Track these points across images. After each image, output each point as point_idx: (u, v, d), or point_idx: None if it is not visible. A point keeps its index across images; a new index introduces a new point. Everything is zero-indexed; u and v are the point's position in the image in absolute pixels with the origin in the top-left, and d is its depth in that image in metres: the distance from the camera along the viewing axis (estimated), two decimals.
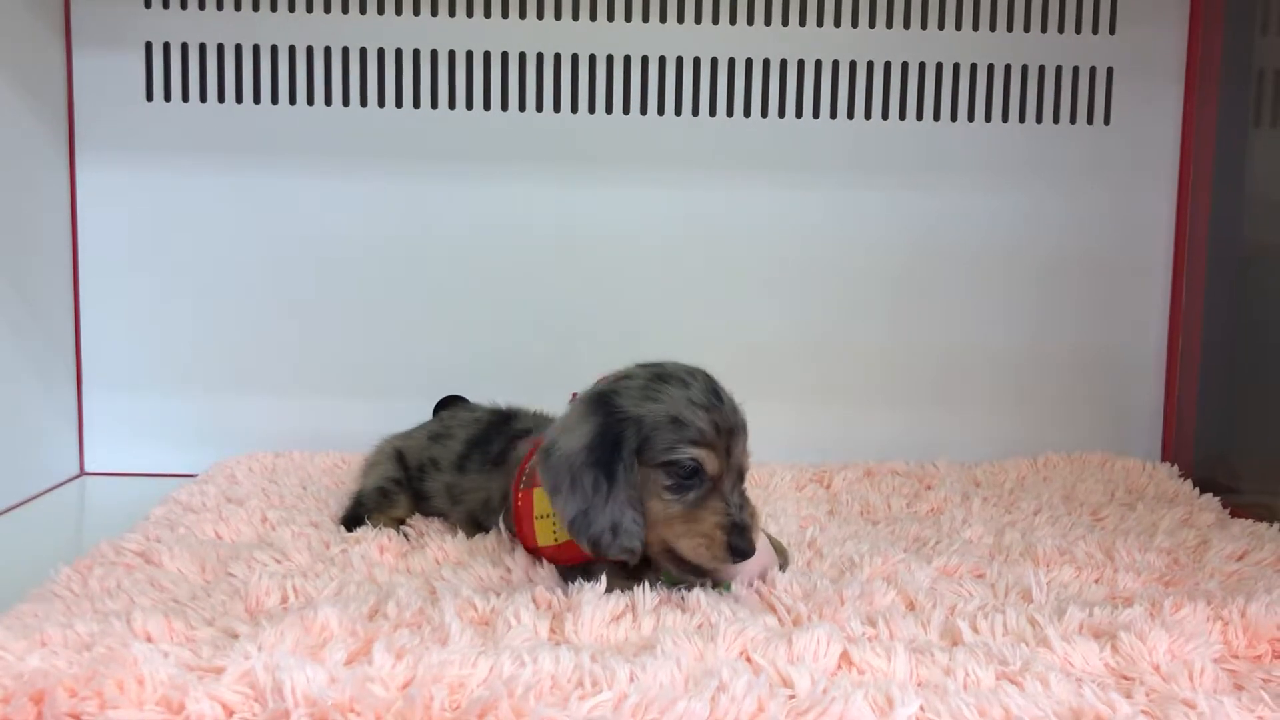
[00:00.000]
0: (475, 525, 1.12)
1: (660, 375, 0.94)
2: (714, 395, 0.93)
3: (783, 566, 1.02)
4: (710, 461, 0.90)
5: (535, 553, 1.00)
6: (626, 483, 0.90)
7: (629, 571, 0.95)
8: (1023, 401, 1.59)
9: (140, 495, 1.32)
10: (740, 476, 0.94)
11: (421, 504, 1.19)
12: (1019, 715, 0.71)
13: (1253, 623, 0.88)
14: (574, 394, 1.01)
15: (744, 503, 0.92)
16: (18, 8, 1.38)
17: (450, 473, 1.17)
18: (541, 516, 0.97)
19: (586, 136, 1.53)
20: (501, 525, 1.07)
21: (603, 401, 0.93)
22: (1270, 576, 1.02)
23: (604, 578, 0.92)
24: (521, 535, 1.00)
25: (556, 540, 0.96)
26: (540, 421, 1.18)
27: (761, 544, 0.98)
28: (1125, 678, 0.80)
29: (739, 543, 0.89)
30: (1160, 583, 1.03)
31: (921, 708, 0.72)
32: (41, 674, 0.72)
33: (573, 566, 0.96)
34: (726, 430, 0.92)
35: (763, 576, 0.97)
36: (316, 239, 1.53)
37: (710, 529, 0.90)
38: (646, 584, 0.92)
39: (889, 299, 1.57)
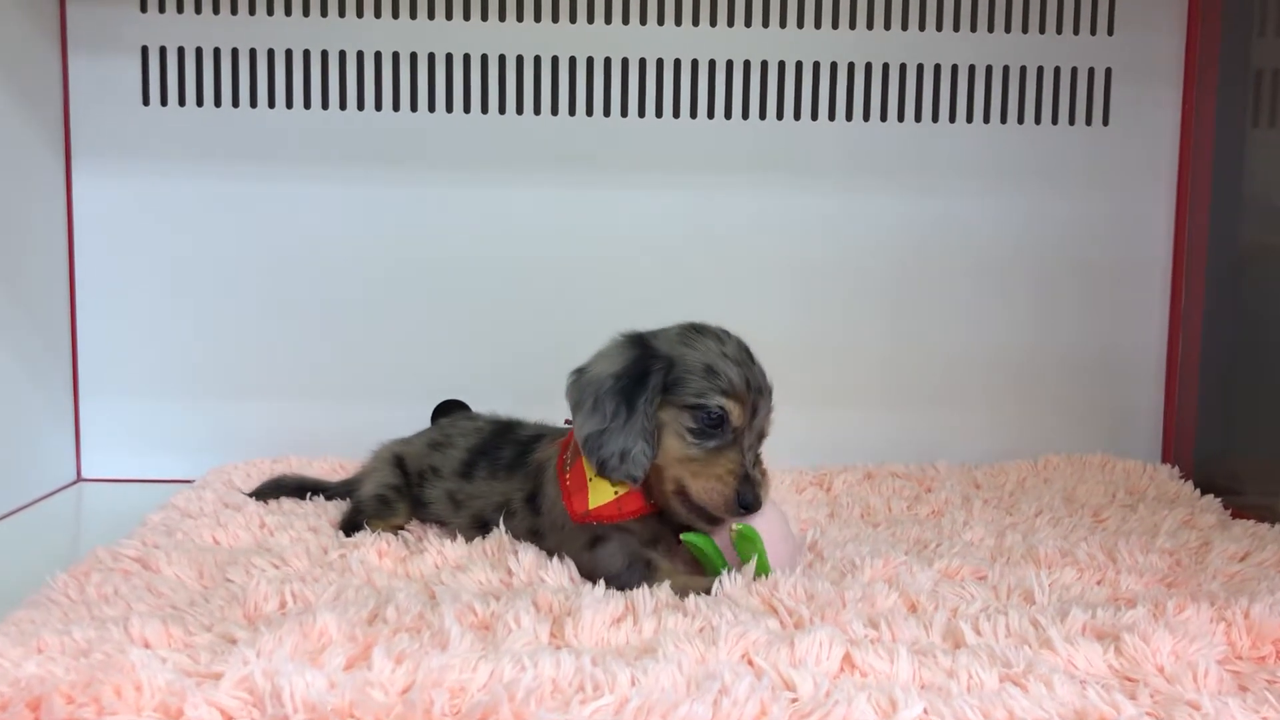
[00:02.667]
0: (480, 529, 1.11)
1: (697, 328, 1.02)
2: (747, 354, 1.01)
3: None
4: (736, 413, 0.96)
5: (585, 518, 0.99)
6: (644, 414, 0.96)
7: (655, 529, 1.00)
8: (1023, 403, 1.59)
9: (138, 501, 1.32)
10: (760, 438, 0.99)
11: (420, 510, 1.19)
12: (1023, 717, 0.71)
13: (1256, 624, 0.87)
14: (566, 420, 1.05)
15: (758, 462, 0.98)
16: (13, 12, 1.38)
17: (453, 480, 1.16)
18: (593, 478, 0.99)
19: (585, 140, 1.53)
20: (513, 528, 1.09)
21: (638, 339, 1.01)
22: (1273, 577, 1.02)
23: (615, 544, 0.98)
24: (572, 509, 1.00)
25: (616, 494, 0.98)
26: (545, 429, 1.18)
27: (787, 532, 1.01)
28: (1129, 679, 0.79)
29: (747, 493, 0.95)
30: (1163, 584, 1.03)
31: (925, 710, 0.71)
32: (38, 680, 0.71)
33: (612, 526, 0.99)
34: (755, 389, 0.98)
35: (792, 565, 0.99)
36: (314, 243, 1.53)
37: (724, 474, 0.95)
38: (646, 589, 0.91)
39: (888, 301, 1.57)
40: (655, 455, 0.98)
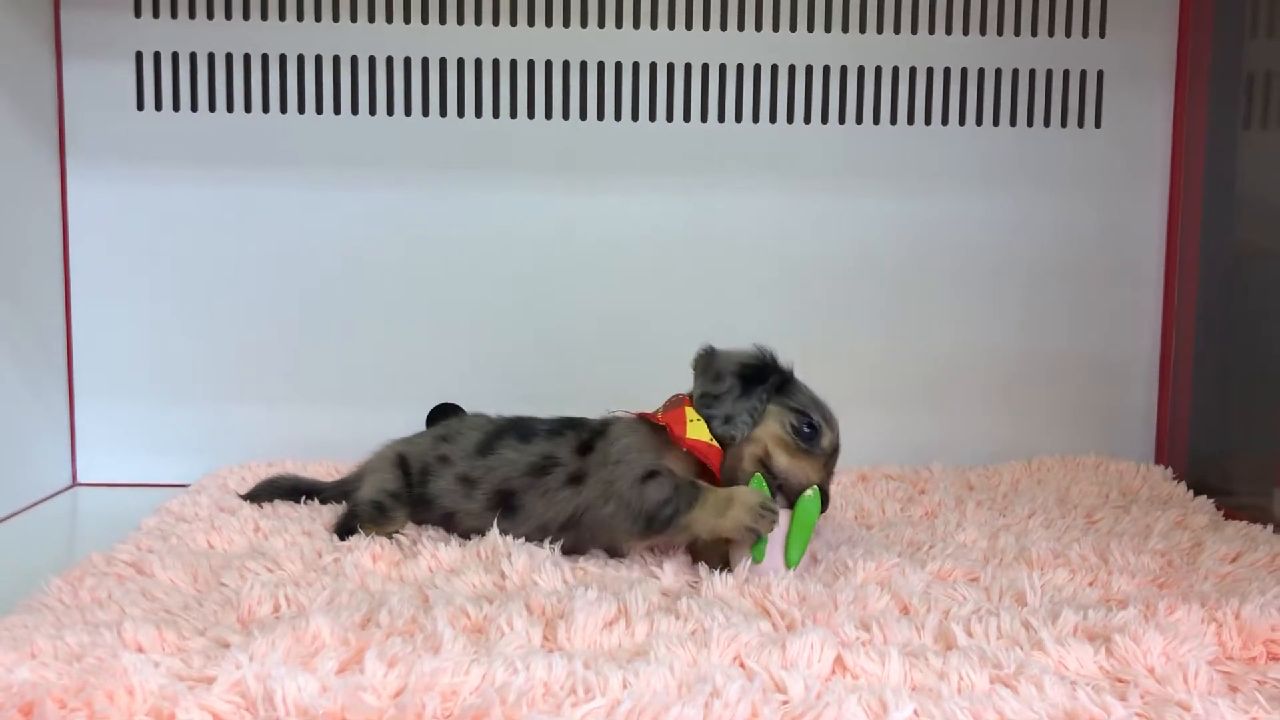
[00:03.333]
0: (496, 506, 1.12)
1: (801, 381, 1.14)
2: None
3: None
4: (827, 439, 1.07)
5: (681, 442, 1.06)
6: (758, 398, 1.07)
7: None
8: (1016, 405, 1.59)
9: (132, 505, 1.32)
10: (828, 478, 1.08)
11: (421, 511, 1.18)
12: (1013, 718, 0.71)
13: (1247, 624, 0.88)
14: (609, 409, 1.14)
15: (828, 487, 1.08)
16: (7, 18, 1.38)
17: (467, 461, 1.16)
18: (693, 420, 1.07)
19: (579, 143, 1.53)
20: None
21: (766, 351, 1.12)
22: (1264, 578, 1.02)
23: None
24: (674, 432, 1.07)
25: (710, 440, 1.06)
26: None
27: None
28: (1120, 680, 0.80)
29: (826, 484, 1.07)
30: (1154, 585, 1.03)
31: (915, 712, 0.71)
32: (31, 686, 0.71)
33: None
34: (837, 436, 1.09)
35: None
36: (308, 247, 1.53)
37: (811, 467, 1.06)
38: (639, 593, 0.92)
39: (882, 303, 1.57)
40: (756, 431, 1.06)
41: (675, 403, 1.11)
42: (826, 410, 1.10)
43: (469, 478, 1.15)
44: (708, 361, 1.12)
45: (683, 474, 1.06)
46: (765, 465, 1.06)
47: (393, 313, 1.55)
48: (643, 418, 1.11)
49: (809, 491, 1.04)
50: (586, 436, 1.14)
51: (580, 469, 1.10)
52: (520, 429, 1.18)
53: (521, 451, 1.14)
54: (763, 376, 1.09)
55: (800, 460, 1.06)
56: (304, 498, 1.28)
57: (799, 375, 1.12)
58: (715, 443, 1.06)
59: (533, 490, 1.11)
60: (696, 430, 1.07)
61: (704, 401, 1.08)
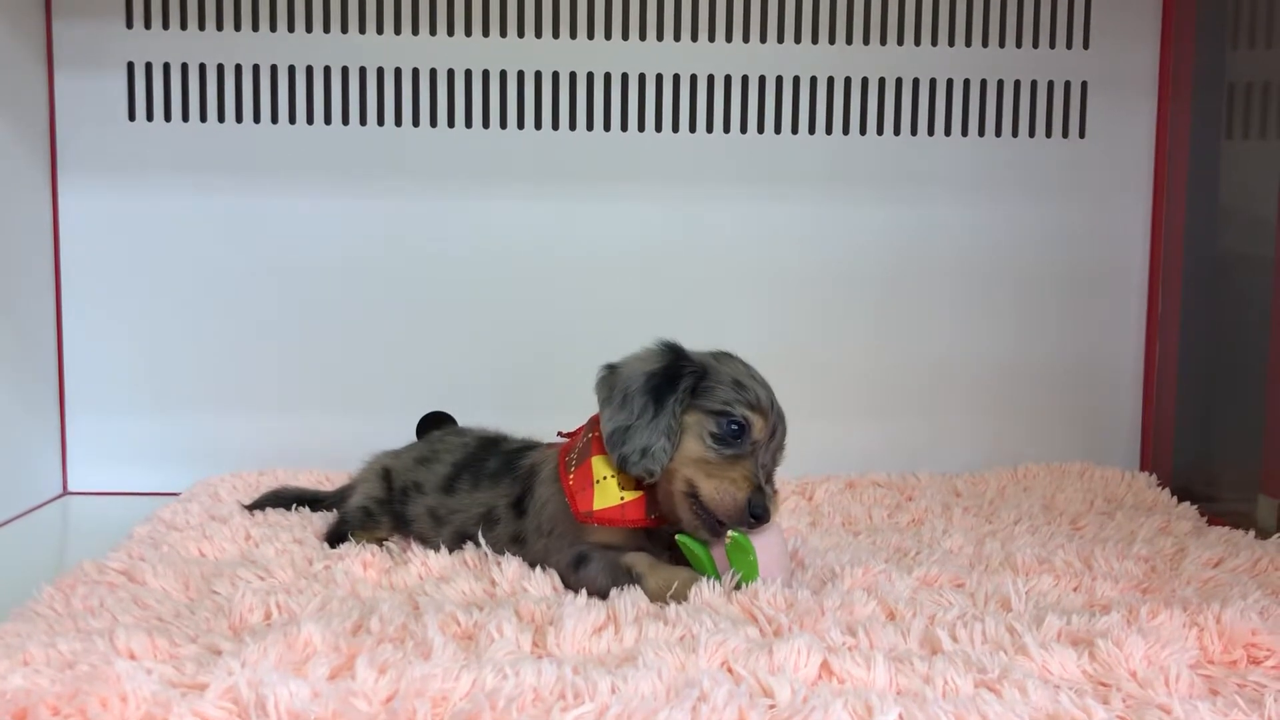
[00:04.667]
0: (461, 542, 1.11)
1: (725, 352, 1.05)
2: (769, 388, 1.03)
3: None
4: (758, 426, 0.99)
5: (588, 519, 1.00)
6: (671, 413, 0.98)
7: (660, 543, 1.02)
8: (1003, 413, 1.60)
9: (123, 514, 1.32)
10: (774, 461, 1.03)
11: (403, 526, 1.19)
12: None
13: (1228, 628, 0.89)
14: (560, 432, 1.08)
15: (770, 480, 1.01)
16: None
17: (435, 495, 1.16)
18: (600, 480, 1.00)
19: (567, 153, 1.54)
20: (494, 539, 1.09)
21: (673, 347, 1.04)
22: (1245, 583, 1.03)
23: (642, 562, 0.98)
24: (576, 508, 1.01)
25: (621, 500, 1.00)
26: (533, 443, 1.19)
27: (782, 550, 1.01)
28: (1102, 684, 0.81)
29: (758, 502, 0.96)
30: (1138, 590, 1.04)
31: (900, 715, 0.72)
32: (24, 693, 0.72)
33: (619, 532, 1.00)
34: (776, 414, 1.01)
35: (787, 582, 0.99)
36: (298, 257, 1.54)
37: (738, 478, 0.97)
38: (628, 598, 0.92)
39: (869, 312, 1.59)
40: (675, 455, 0.99)
41: (584, 451, 1.03)
42: (754, 391, 1.00)
43: (436, 514, 1.16)
44: (611, 383, 1.03)
45: (618, 538, 1.01)
46: (694, 498, 0.98)
47: (383, 322, 1.55)
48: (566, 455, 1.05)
49: (732, 534, 0.96)
50: (519, 492, 1.09)
51: (519, 530, 1.08)
52: (476, 467, 1.15)
53: (472, 498, 1.13)
54: (674, 380, 1.00)
55: (726, 477, 0.97)
56: (305, 507, 1.29)
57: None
58: (631, 494, 0.99)
59: (487, 536, 1.09)
60: (605, 494, 0.99)
61: (615, 439, 0.99)
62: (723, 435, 0.98)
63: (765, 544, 0.98)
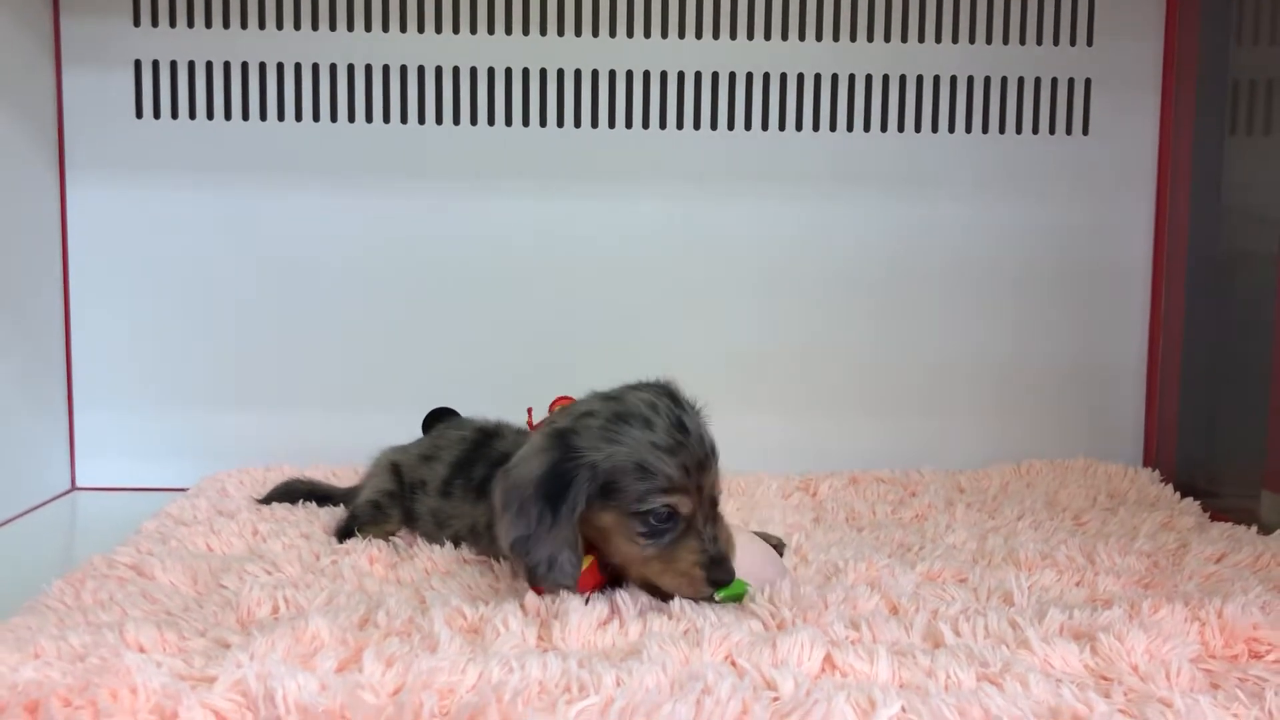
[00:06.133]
0: (460, 542, 1.12)
1: (620, 415, 0.92)
2: (679, 430, 0.91)
3: (779, 548, 1.07)
4: (684, 504, 0.90)
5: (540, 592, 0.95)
6: (568, 523, 0.90)
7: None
8: (1006, 409, 1.61)
9: (132, 509, 1.33)
10: (714, 505, 0.94)
11: (412, 522, 1.20)
12: (998, 715, 0.73)
13: (1229, 623, 0.89)
14: (530, 409, 1.06)
15: (717, 533, 0.92)
16: (6, 26, 1.39)
17: (436, 497, 1.17)
18: None
19: (569, 150, 1.55)
20: (484, 550, 1.09)
21: (561, 439, 0.92)
22: (1247, 578, 1.04)
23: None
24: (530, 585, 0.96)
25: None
26: (521, 442, 1.18)
27: (767, 555, 1.01)
28: (1104, 678, 0.81)
29: (719, 575, 0.91)
30: (1140, 585, 1.04)
31: (903, 708, 0.73)
32: (35, 685, 0.72)
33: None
34: (696, 467, 0.91)
35: (781, 574, 0.99)
36: (305, 254, 1.54)
37: (688, 568, 0.91)
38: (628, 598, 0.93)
39: (873, 309, 1.59)
40: (615, 557, 0.93)
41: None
42: (664, 466, 0.89)
43: (437, 516, 1.16)
44: (506, 493, 0.92)
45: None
46: (656, 589, 0.94)
47: (389, 318, 1.56)
48: None
49: (717, 597, 0.93)
50: (491, 518, 1.01)
51: (500, 551, 1.05)
52: (467, 471, 1.14)
53: (463, 507, 1.13)
54: (566, 482, 0.90)
55: (675, 570, 0.91)
56: (318, 502, 1.30)
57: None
58: (583, 560, 0.93)
59: (477, 548, 1.10)
60: None
61: (518, 549, 0.91)
62: (651, 530, 0.90)
63: (744, 558, 0.95)
